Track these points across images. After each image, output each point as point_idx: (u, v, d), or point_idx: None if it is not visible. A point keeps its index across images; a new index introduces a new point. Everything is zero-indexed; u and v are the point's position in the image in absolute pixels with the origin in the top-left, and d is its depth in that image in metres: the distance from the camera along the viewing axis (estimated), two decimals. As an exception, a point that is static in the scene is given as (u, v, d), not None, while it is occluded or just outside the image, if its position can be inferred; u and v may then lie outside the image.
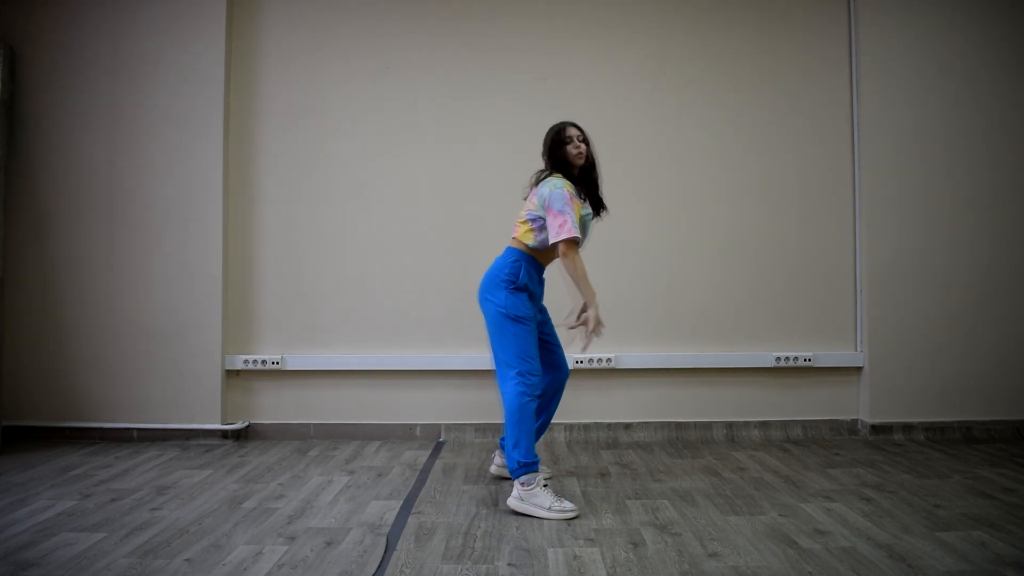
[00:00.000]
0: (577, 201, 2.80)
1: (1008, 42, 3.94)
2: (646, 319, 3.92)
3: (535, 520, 2.52)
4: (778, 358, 3.87)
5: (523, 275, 2.80)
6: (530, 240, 2.83)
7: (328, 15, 3.96)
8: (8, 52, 3.79)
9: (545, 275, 2.96)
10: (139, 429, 3.79)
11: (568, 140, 2.89)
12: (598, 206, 2.97)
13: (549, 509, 2.57)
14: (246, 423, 3.86)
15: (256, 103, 3.94)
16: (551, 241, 2.75)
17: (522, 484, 2.62)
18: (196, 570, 2.10)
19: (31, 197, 3.86)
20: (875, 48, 3.92)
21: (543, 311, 3.02)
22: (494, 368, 2.86)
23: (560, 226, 2.71)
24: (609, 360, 3.84)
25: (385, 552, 2.24)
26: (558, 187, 2.76)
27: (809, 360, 3.88)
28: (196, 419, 3.79)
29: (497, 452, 3.10)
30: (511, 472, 2.68)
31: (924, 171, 3.91)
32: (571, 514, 2.57)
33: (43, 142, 3.87)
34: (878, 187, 3.90)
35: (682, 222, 3.94)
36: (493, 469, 3.10)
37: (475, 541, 2.32)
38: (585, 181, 2.93)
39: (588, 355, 3.84)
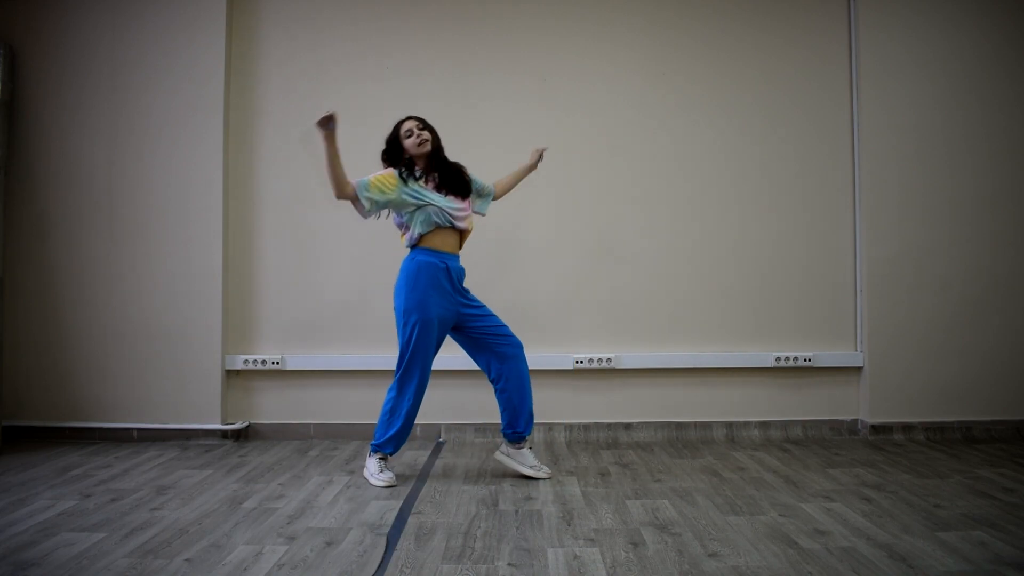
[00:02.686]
0: (391, 177, 2.91)
1: (1008, 42, 3.94)
2: (646, 319, 3.92)
3: (535, 520, 2.52)
4: (778, 358, 3.87)
5: (420, 277, 2.89)
6: (405, 241, 2.98)
7: (328, 16, 3.96)
8: (8, 52, 3.79)
9: (463, 263, 3.08)
10: (139, 429, 3.79)
11: (408, 134, 2.99)
12: (463, 188, 3.03)
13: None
14: (246, 423, 3.86)
15: (256, 103, 3.94)
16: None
17: (371, 457, 3.04)
18: (196, 570, 2.10)
19: (31, 197, 3.86)
20: (875, 48, 3.92)
21: (472, 303, 3.07)
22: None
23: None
24: (609, 360, 3.84)
25: (385, 552, 2.24)
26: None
27: (809, 360, 3.88)
28: (196, 419, 3.79)
29: (504, 441, 3.13)
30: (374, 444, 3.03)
31: (924, 171, 3.91)
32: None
33: (43, 142, 3.87)
34: (878, 187, 3.90)
35: (682, 222, 3.94)
36: (497, 455, 3.14)
37: (475, 541, 2.32)
38: (440, 167, 3.01)
39: (588, 355, 3.84)
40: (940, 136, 3.92)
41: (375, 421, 3.83)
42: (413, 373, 2.95)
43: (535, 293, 3.88)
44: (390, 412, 2.99)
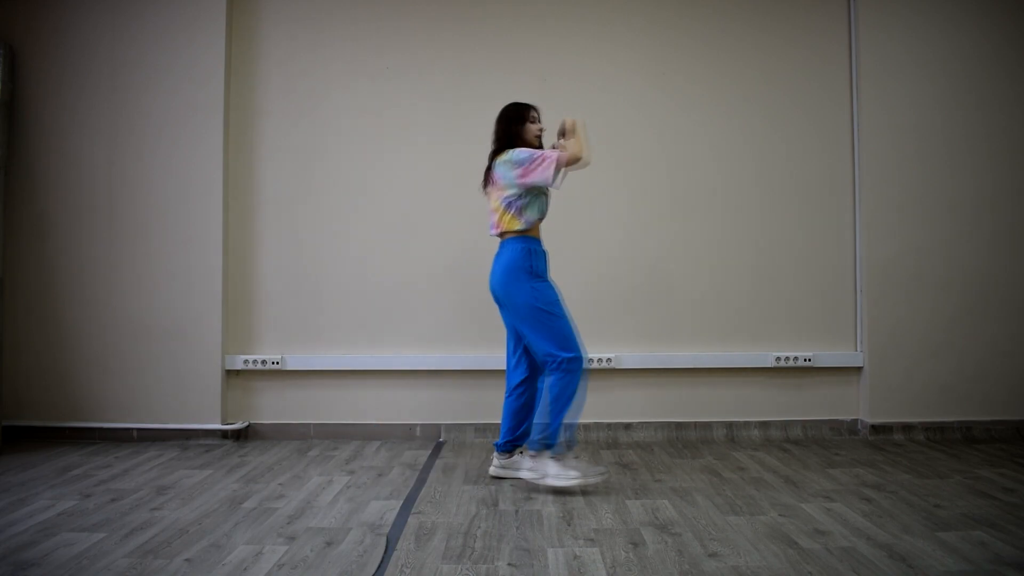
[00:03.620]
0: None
1: (1008, 42, 3.94)
2: (646, 319, 3.91)
3: (535, 520, 2.52)
4: (778, 358, 3.87)
5: (537, 261, 2.92)
6: (518, 224, 2.91)
7: (328, 16, 3.95)
8: (8, 52, 3.79)
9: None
10: (139, 429, 3.78)
11: (532, 119, 3.00)
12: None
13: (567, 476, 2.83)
14: (246, 423, 3.86)
15: (256, 102, 3.94)
16: (552, 175, 2.79)
17: (534, 456, 2.87)
18: (196, 570, 2.10)
19: (31, 197, 3.86)
20: (875, 48, 3.92)
21: None
22: (541, 358, 2.92)
23: (544, 163, 2.79)
24: (609, 360, 3.84)
25: (385, 552, 2.24)
26: (514, 150, 2.87)
27: (809, 360, 3.88)
28: (196, 419, 3.79)
29: (495, 455, 3.10)
30: (538, 442, 2.85)
31: (924, 171, 3.91)
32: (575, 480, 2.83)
33: (43, 142, 3.87)
34: (878, 187, 3.90)
35: (682, 222, 3.94)
36: (492, 471, 3.10)
37: (475, 541, 2.32)
38: None
39: (588, 355, 3.83)
40: (940, 136, 3.92)
41: (375, 421, 3.87)
42: (574, 346, 2.87)
43: (535, 293, 3.88)
44: (564, 396, 2.81)
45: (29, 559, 2.17)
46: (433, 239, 3.92)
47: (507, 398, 3.08)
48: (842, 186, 3.96)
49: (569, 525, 2.47)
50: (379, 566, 2.13)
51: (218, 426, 3.79)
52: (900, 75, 3.92)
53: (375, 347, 3.89)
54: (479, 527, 2.46)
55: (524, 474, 3.00)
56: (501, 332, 3.88)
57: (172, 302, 3.81)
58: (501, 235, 2.98)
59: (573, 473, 2.82)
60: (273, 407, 3.89)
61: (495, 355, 3.85)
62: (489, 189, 3.00)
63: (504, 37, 3.96)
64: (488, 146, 3.89)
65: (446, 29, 3.95)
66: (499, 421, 3.82)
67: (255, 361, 3.84)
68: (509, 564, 2.13)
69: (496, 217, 2.96)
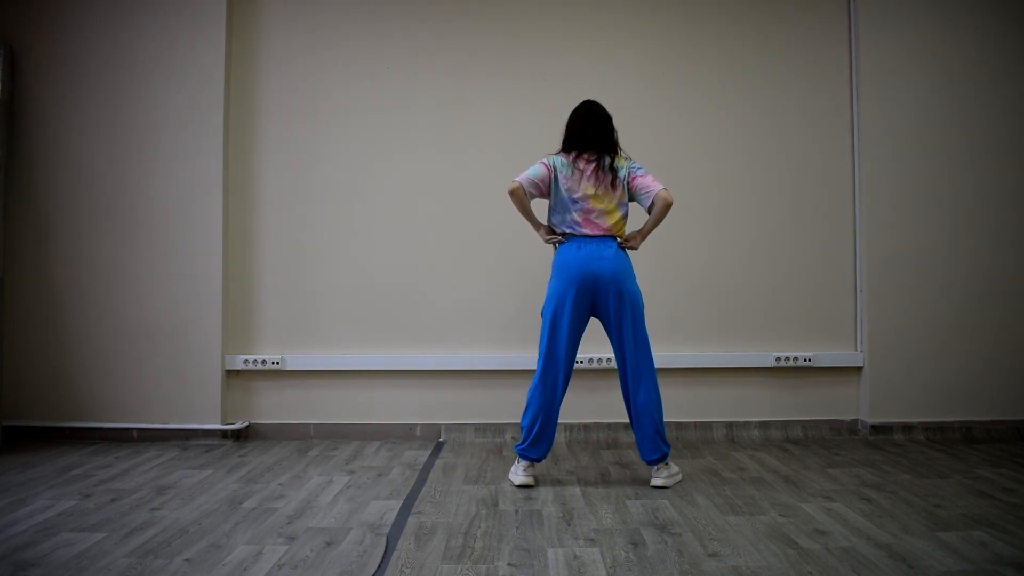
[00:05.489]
0: None
1: (1009, 42, 3.94)
2: (646, 319, 3.90)
3: (535, 520, 2.52)
4: (778, 358, 3.87)
5: None
6: (623, 233, 2.98)
7: (328, 15, 3.96)
8: (8, 52, 3.79)
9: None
10: (139, 429, 3.78)
11: None
12: None
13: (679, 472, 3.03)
14: (246, 423, 3.86)
15: (256, 103, 3.94)
16: (659, 191, 2.86)
17: (667, 464, 2.94)
18: (196, 570, 2.10)
19: (31, 197, 3.86)
20: (875, 48, 3.91)
21: None
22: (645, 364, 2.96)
23: (655, 182, 2.91)
24: (609, 360, 3.84)
25: (385, 552, 2.24)
26: (634, 161, 3.00)
27: (809, 360, 3.88)
28: (196, 419, 3.79)
29: (525, 463, 2.95)
30: (659, 459, 2.90)
31: (924, 171, 3.91)
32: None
33: (43, 142, 3.86)
34: (878, 187, 3.90)
35: (681, 222, 3.93)
36: (525, 479, 2.93)
37: (475, 541, 2.33)
38: None
39: (589, 355, 3.83)
40: (940, 135, 3.92)
41: (375, 421, 3.87)
42: None
43: (537, 293, 3.88)
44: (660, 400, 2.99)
45: (29, 559, 2.17)
46: (433, 238, 3.92)
47: (557, 406, 2.97)
48: (842, 186, 3.96)
49: (569, 525, 2.47)
50: (379, 566, 2.13)
51: (218, 426, 3.78)
52: (900, 75, 3.92)
53: (375, 347, 3.89)
54: (479, 527, 2.46)
55: (661, 482, 2.91)
56: (501, 332, 3.90)
57: (172, 302, 3.81)
58: (605, 229, 2.90)
59: (676, 468, 3.03)
60: (273, 407, 3.89)
61: (495, 355, 3.85)
62: (602, 191, 2.89)
63: (504, 36, 3.96)
64: (490, 146, 3.92)
65: (447, 29, 3.95)
66: (498, 421, 3.84)
67: (255, 361, 3.84)
68: (509, 564, 2.13)
69: (610, 222, 2.90)
